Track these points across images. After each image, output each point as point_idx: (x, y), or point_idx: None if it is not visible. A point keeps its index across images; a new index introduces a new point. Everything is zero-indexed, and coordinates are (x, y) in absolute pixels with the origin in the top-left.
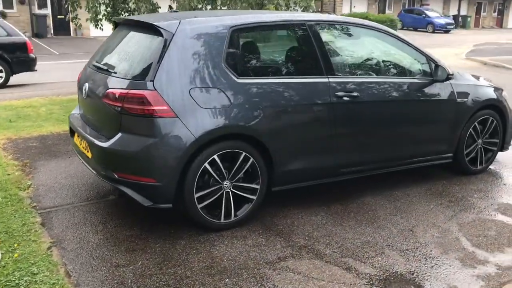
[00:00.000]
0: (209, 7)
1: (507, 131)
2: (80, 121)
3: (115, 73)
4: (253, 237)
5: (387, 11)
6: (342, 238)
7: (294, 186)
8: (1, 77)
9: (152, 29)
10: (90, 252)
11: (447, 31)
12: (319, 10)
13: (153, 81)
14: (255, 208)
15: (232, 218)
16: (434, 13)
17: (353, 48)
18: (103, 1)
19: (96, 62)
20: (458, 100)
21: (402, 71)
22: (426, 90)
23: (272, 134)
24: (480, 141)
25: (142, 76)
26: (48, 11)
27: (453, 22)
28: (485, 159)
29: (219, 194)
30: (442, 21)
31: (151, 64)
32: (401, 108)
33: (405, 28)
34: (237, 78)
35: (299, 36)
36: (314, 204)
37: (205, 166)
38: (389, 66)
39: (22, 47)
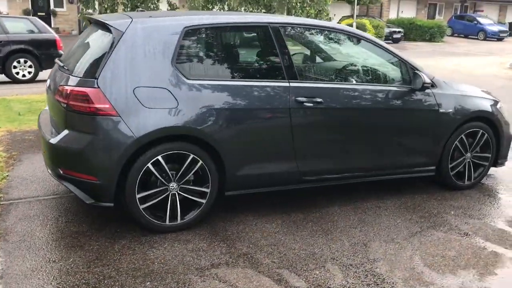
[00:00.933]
0: (216, 8)
1: (501, 145)
2: (46, 117)
3: (68, 70)
4: (196, 241)
5: (437, 16)
6: (288, 248)
7: (250, 191)
8: (30, 72)
9: (106, 28)
10: (30, 246)
11: (500, 39)
12: (364, 15)
13: (97, 79)
14: (204, 212)
15: (179, 221)
16: (487, 20)
17: (323, 52)
18: (121, 1)
19: (60, 59)
20: (441, 110)
21: (377, 78)
22: (403, 98)
23: (224, 138)
24: (468, 155)
25: (90, 74)
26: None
27: (507, 29)
28: (475, 175)
29: (164, 196)
30: (495, 28)
31: (99, 62)
32: (372, 116)
33: (455, 34)
34: (187, 79)
35: (260, 38)
36: (274, 211)
37: (148, 166)
38: (362, 72)
39: (51, 43)
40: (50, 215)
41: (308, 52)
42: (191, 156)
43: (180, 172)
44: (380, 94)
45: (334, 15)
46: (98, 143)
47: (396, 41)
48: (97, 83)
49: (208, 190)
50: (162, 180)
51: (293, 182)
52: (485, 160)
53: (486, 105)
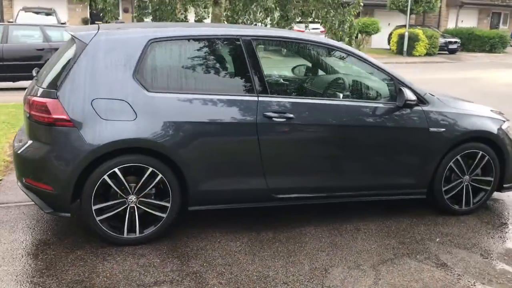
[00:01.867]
0: (240, 20)
1: (506, 169)
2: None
3: (38, 81)
4: (151, 256)
5: (501, 26)
6: (242, 269)
7: (216, 207)
8: None
9: (73, 39)
10: None
11: None
12: (420, 24)
13: (58, 90)
14: (165, 227)
15: (137, 234)
16: None
17: (301, 67)
18: (148, 11)
19: (36, 70)
20: (431, 129)
21: (358, 94)
22: (387, 115)
23: (185, 152)
24: (466, 177)
25: (52, 86)
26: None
27: None
28: (475, 199)
29: (121, 208)
30: None
31: (62, 74)
32: (352, 133)
33: None
34: (148, 91)
35: (230, 51)
36: (245, 228)
37: (104, 178)
38: (342, 87)
39: None
40: (23, 222)
41: (284, 66)
42: (150, 169)
43: (139, 185)
44: (360, 111)
45: (389, 24)
46: (55, 154)
47: (452, 51)
48: (57, 94)
49: (168, 205)
50: (120, 192)
51: (263, 199)
52: (487, 184)
53: (487, 125)
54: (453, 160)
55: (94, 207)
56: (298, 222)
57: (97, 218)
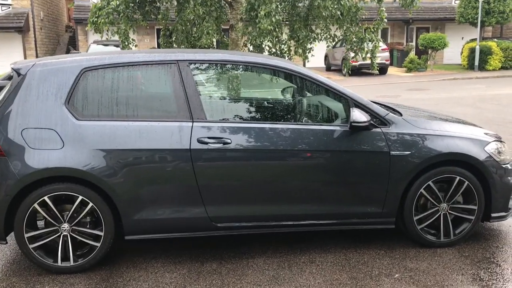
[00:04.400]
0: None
1: (493, 196)
2: None
3: None
4: (80, 286)
5: None
6: None
7: (154, 236)
8: None
9: (13, 72)
10: None
11: None
12: (498, 36)
13: None
14: (100, 255)
15: (72, 263)
16: None
17: (243, 91)
18: (176, 39)
19: None
20: (393, 152)
21: (307, 116)
22: (339, 138)
23: (115, 180)
24: (444, 205)
25: None
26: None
27: None
28: (457, 230)
29: (55, 236)
30: None
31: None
32: (298, 159)
33: None
34: (77, 120)
35: (166, 76)
36: (189, 258)
37: (34, 206)
38: (288, 110)
39: None
40: None
41: (224, 90)
42: (80, 197)
43: (70, 214)
44: (308, 134)
45: (462, 38)
46: None
47: None
48: None
49: (102, 234)
50: (51, 220)
51: (204, 228)
52: (470, 213)
53: (465, 147)
54: (424, 186)
55: (26, 235)
56: (252, 252)
57: (30, 246)
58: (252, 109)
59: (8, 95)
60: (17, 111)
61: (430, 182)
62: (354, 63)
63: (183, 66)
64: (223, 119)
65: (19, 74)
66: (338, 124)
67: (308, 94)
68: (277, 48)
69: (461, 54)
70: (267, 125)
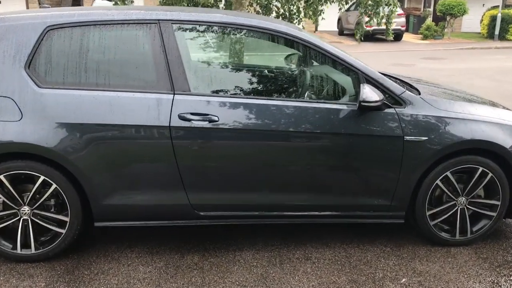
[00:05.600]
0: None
1: None
2: None
3: None
4: (38, 279)
5: None
6: None
7: (129, 224)
8: None
9: None
10: None
11: None
12: (505, 5)
13: None
14: (66, 243)
15: (33, 251)
16: None
17: (238, 59)
18: None
19: None
20: (407, 137)
21: (309, 92)
22: (345, 119)
23: (82, 159)
24: (462, 199)
25: None
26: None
27: None
28: (475, 228)
29: (14, 220)
30: None
31: None
32: (295, 141)
33: None
34: (39, 87)
35: (144, 39)
36: (170, 249)
37: None
38: (289, 85)
39: None
40: None
41: (213, 58)
42: (42, 177)
43: (30, 195)
44: (309, 113)
45: (483, 5)
46: None
47: None
48: None
49: (67, 219)
50: (9, 202)
51: (186, 217)
52: (491, 209)
53: (492, 133)
54: (441, 177)
55: None
56: (240, 244)
57: None
58: (245, 80)
59: None
60: None
61: (448, 173)
62: (368, 28)
63: (165, 26)
64: (211, 92)
65: None
66: (345, 102)
67: (314, 64)
68: (285, 8)
69: (481, 22)
70: (261, 101)
